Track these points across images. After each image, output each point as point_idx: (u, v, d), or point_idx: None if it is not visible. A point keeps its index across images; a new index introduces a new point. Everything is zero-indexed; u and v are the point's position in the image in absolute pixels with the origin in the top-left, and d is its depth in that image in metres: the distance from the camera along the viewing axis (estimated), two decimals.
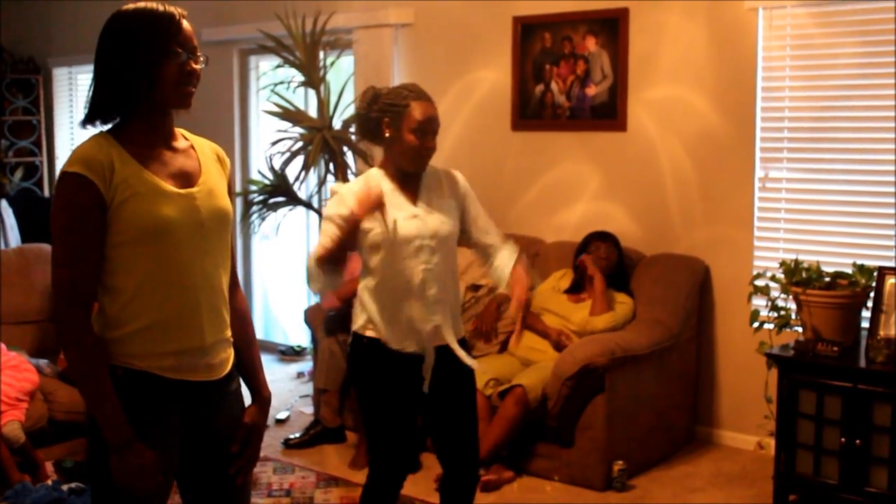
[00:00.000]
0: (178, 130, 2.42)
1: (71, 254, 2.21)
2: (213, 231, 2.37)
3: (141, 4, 2.29)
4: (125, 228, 2.22)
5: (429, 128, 3.20)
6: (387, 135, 3.22)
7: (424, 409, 3.28)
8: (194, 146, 2.44)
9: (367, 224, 3.10)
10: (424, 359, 3.20)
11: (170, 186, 2.29)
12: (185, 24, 2.29)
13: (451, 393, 3.28)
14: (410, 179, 3.26)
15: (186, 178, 2.35)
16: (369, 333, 3.21)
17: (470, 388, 3.35)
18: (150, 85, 2.25)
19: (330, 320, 5.16)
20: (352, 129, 6.01)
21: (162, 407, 2.30)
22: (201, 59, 2.32)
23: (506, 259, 3.28)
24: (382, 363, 3.20)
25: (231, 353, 2.46)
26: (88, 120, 2.30)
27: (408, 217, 3.18)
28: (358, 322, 3.25)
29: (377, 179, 3.23)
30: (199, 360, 2.34)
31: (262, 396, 2.56)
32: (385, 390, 3.22)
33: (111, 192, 2.20)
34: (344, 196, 3.15)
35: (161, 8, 2.28)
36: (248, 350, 2.53)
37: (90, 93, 2.29)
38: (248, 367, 2.54)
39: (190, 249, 2.31)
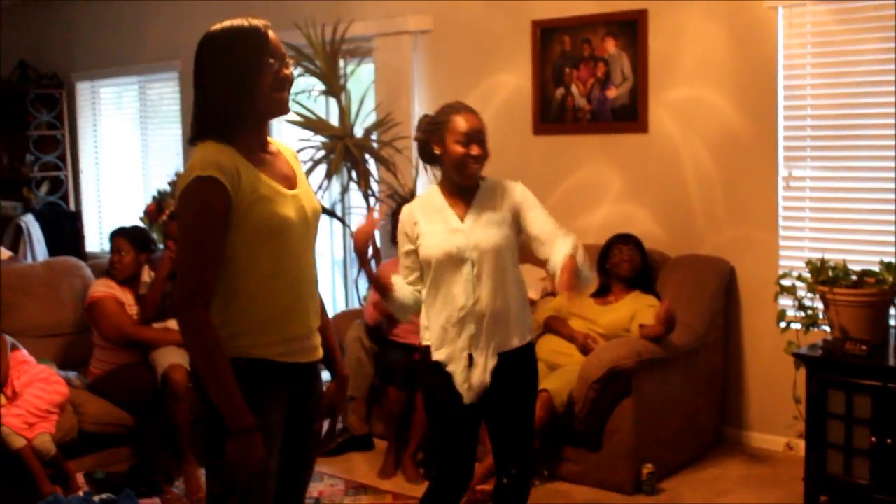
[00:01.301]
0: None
1: (198, 252, 2.36)
2: (313, 227, 2.59)
3: (227, 24, 2.46)
4: (253, 228, 2.39)
5: (472, 137, 3.28)
6: (437, 152, 3.32)
7: (486, 417, 3.37)
8: (280, 150, 2.63)
9: (410, 245, 3.32)
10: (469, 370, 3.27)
11: (284, 189, 2.49)
12: (271, 33, 2.47)
13: (508, 401, 3.33)
14: (465, 193, 3.34)
15: (289, 181, 2.54)
16: (427, 345, 3.35)
17: (527, 396, 3.41)
18: (252, 97, 2.41)
19: (371, 332, 5.18)
20: (373, 137, 6.04)
21: (278, 390, 2.48)
22: (291, 63, 2.50)
23: (560, 252, 3.21)
24: (440, 377, 3.29)
25: (320, 337, 2.65)
26: (198, 137, 2.45)
27: (449, 232, 3.27)
28: (423, 337, 3.37)
29: (431, 196, 3.37)
30: (305, 344, 2.55)
31: (342, 375, 2.79)
32: (442, 404, 3.32)
33: (239, 195, 2.37)
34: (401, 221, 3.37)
35: (247, 24, 2.45)
36: (327, 335, 2.70)
37: (195, 111, 2.46)
38: (330, 350, 2.71)
39: (301, 246, 2.51)
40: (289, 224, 2.45)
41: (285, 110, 2.50)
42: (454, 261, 3.25)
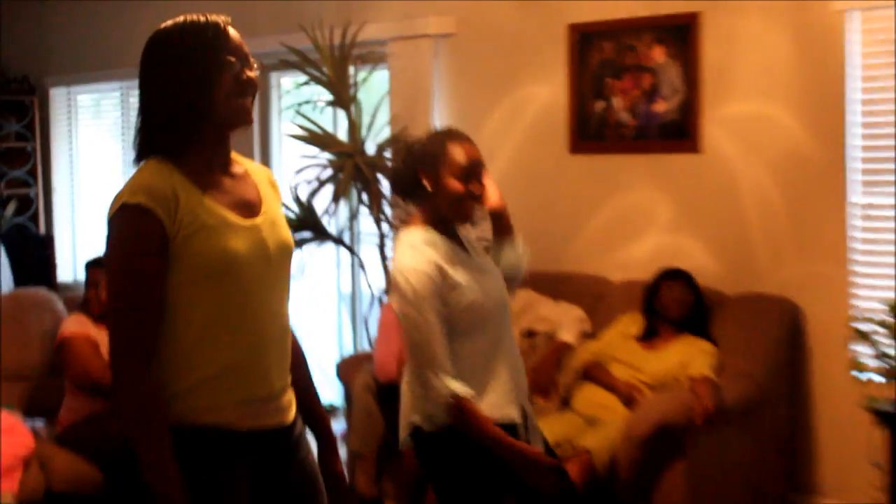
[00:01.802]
0: (233, 155, 2.47)
1: (133, 297, 2.22)
2: (278, 265, 2.43)
3: (180, 19, 2.36)
4: (191, 265, 2.26)
5: (473, 171, 3.18)
6: (427, 186, 3.19)
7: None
8: (248, 171, 2.50)
9: (440, 306, 3.10)
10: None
11: (236, 217, 2.35)
12: (232, 31, 2.37)
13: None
14: (455, 234, 3.27)
15: (249, 208, 2.40)
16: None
17: None
18: (207, 103, 2.29)
19: (384, 392, 5.10)
20: (387, 154, 6.00)
21: (236, 463, 2.32)
22: (255, 66, 2.38)
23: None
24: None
25: (293, 395, 2.51)
26: (143, 154, 2.35)
27: (481, 275, 3.21)
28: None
29: (435, 244, 3.17)
30: (269, 406, 2.39)
31: (332, 442, 2.67)
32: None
33: (176, 225, 2.23)
34: (414, 286, 3.08)
35: (202, 19, 2.35)
36: (308, 393, 2.61)
37: (139, 124, 2.36)
38: (311, 412, 2.61)
39: (257, 287, 2.36)
40: (238, 260, 2.30)
41: (246, 120, 2.37)
42: (500, 311, 3.22)
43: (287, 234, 2.48)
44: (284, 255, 2.45)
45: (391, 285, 3.18)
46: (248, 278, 2.33)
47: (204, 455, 2.28)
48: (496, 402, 3.18)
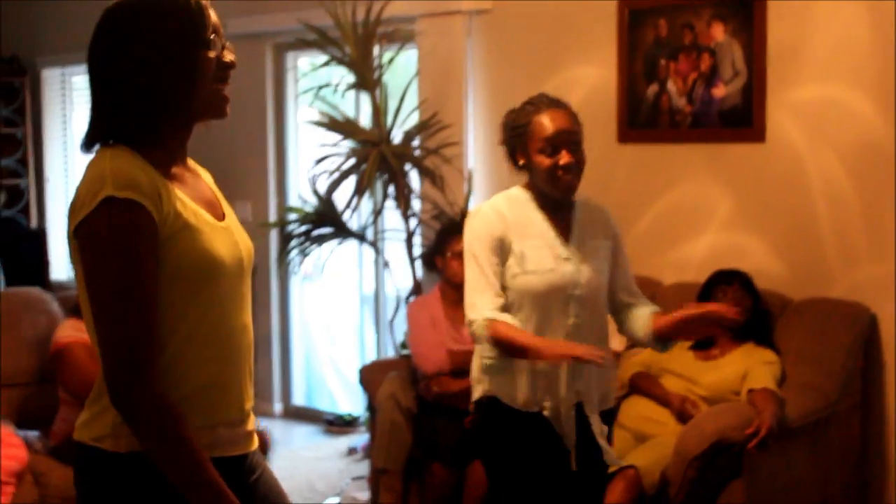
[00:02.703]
0: None
1: (133, 304, 2.15)
2: (248, 274, 2.42)
3: None
4: (174, 269, 2.21)
5: (560, 141, 3.30)
6: (521, 163, 3.38)
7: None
8: (198, 170, 2.48)
9: (497, 260, 3.32)
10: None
11: (212, 218, 2.32)
12: (210, 7, 2.31)
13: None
14: (561, 211, 3.41)
15: (213, 208, 2.38)
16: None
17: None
18: (190, 86, 2.25)
19: (423, 409, 5.21)
20: (415, 143, 6.06)
21: None
22: (232, 49, 2.36)
23: (646, 315, 3.44)
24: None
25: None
26: (98, 140, 2.28)
27: (559, 259, 3.32)
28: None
29: (520, 202, 3.40)
30: (238, 431, 2.39)
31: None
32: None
33: (161, 224, 2.19)
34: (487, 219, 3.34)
35: None
36: None
37: (100, 106, 2.29)
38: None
39: (234, 297, 2.35)
40: (221, 265, 2.28)
41: (223, 112, 2.35)
42: (563, 298, 3.31)
43: (249, 240, 2.46)
44: (251, 263, 2.44)
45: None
46: (227, 287, 2.32)
47: (170, 486, 2.21)
48: (517, 394, 3.36)
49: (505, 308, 3.31)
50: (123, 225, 2.14)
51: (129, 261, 2.15)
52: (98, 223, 2.15)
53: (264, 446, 2.62)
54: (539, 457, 3.43)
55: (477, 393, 3.49)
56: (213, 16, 2.30)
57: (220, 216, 2.37)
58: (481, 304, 3.29)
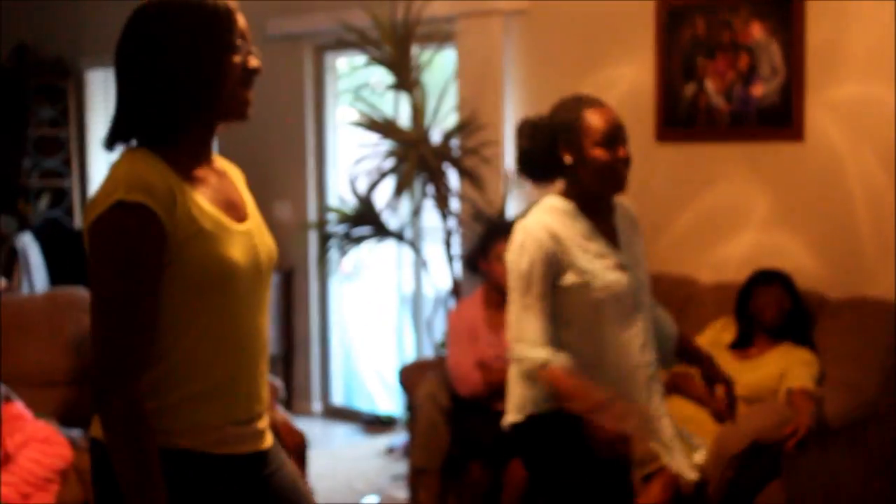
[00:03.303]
0: None
1: (127, 306, 2.20)
2: (267, 277, 2.45)
3: None
4: (186, 273, 2.25)
5: (617, 136, 3.29)
6: (568, 161, 3.30)
7: None
8: (225, 168, 2.50)
9: (548, 280, 3.23)
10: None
11: (229, 221, 2.35)
12: (239, 13, 2.35)
13: None
14: (603, 214, 3.36)
15: (236, 210, 2.41)
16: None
17: None
18: (216, 88, 2.29)
19: (458, 404, 5.23)
20: (454, 143, 6.08)
21: (208, 491, 2.35)
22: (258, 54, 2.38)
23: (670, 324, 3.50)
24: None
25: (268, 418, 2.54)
26: (121, 140, 2.33)
27: (619, 268, 3.29)
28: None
29: (565, 213, 3.31)
30: (246, 429, 2.42)
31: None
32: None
33: (173, 228, 2.21)
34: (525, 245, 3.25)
35: None
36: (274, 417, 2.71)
37: (126, 105, 2.32)
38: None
39: (249, 300, 2.38)
40: (235, 270, 2.30)
41: (245, 114, 2.37)
42: (626, 309, 3.30)
43: (272, 241, 2.50)
44: (271, 265, 2.47)
45: (511, 241, 3.33)
46: (241, 290, 2.34)
47: (177, 481, 2.27)
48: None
49: (553, 340, 3.23)
50: (129, 228, 2.18)
51: (129, 266, 2.19)
52: (105, 225, 2.19)
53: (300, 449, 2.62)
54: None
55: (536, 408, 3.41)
56: (241, 20, 2.34)
57: (242, 218, 2.40)
58: (531, 336, 3.19)
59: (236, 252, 2.31)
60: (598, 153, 3.26)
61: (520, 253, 3.25)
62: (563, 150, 3.30)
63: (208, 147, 2.40)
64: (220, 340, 2.33)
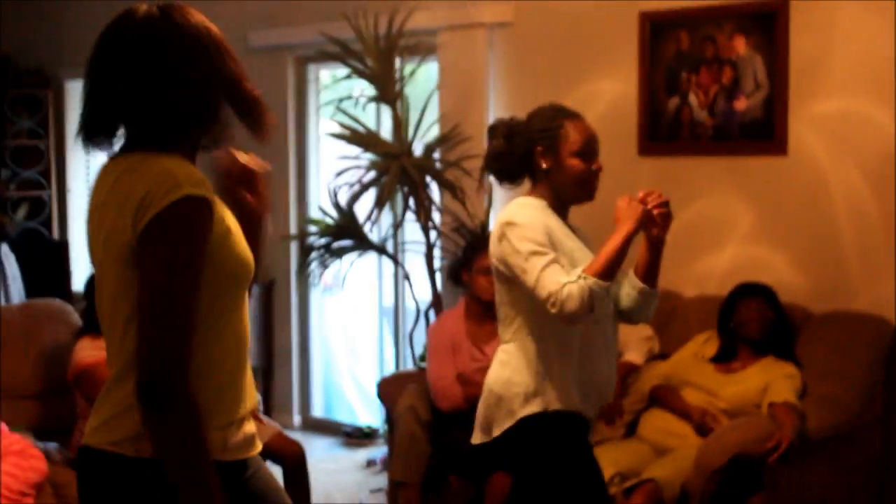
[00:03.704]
0: None
1: (189, 299, 2.20)
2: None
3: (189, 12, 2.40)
4: (215, 271, 2.27)
5: (594, 147, 3.44)
6: (544, 166, 3.41)
7: None
8: None
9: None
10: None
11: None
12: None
13: None
14: (566, 219, 3.48)
15: None
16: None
17: None
18: (221, 105, 2.36)
19: (437, 417, 5.21)
20: (436, 155, 6.07)
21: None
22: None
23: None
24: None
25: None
26: (139, 145, 2.33)
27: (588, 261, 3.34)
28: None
29: (544, 210, 3.40)
30: (237, 433, 2.40)
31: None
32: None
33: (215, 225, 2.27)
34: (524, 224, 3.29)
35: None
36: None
37: (151, 109, 2.32)
38: None
39: (245, 299, 2.44)
40: (250, 271, 2.39)
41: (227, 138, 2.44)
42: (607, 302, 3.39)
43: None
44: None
45: (495, 237, 3.36)
46: (246, 291, 2.42)
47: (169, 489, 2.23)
48: (558, 396, 3.36)
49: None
50: (199, 221, 2.22)
51: (196, 258, 2.21)
52: (175, 218, 2.19)
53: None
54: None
55: (529, 409, 3.41)
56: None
57: None
58: (557, 284, 3.19)
59: (248, 253, 2.38)
60: (576, 163, 3.39)
61: (517, 230, 3.29)
62: (541, 156, 3.41)
63: (196, 152, 2.42)
64: (230, 340, 2.37)
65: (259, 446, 2.51)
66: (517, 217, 3.32)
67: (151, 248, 2.20)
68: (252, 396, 2.49)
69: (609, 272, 3.24)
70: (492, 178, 3.61)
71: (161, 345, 2.18)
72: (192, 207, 2.19)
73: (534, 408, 3.36)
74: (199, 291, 2.22)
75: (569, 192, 3.43)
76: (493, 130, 3.55)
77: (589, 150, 3.41)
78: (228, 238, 2.31)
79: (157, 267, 2.19)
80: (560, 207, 3.45)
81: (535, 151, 3.41)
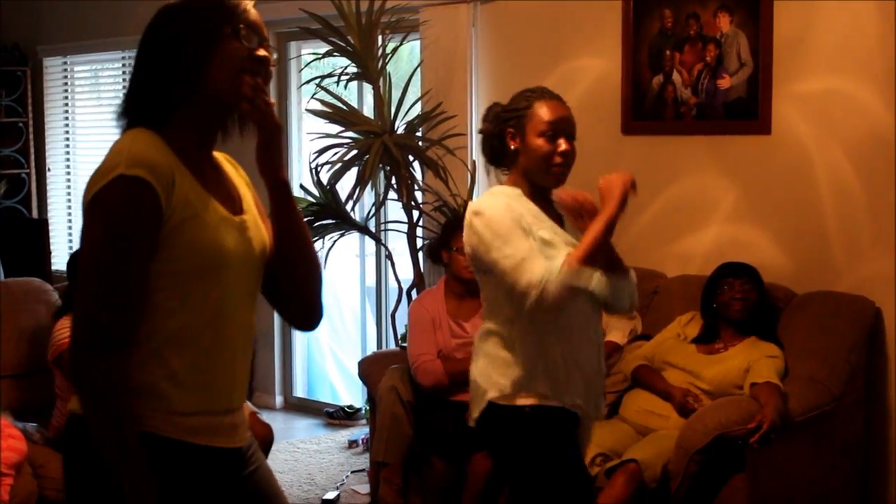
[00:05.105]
0: None
1: (115, 278, 2.24)
2: (257, 270, 2.50)
3: None
4: (179, 255, 2.29)
5: (559, 128, 3.38)
6: (512, 147, 3.41)
7: None
8: (222, 163, 2.55)
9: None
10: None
11: (225, 211, 2.40)
12: (251, 10, 2.42)
13: None
14: (547, 202, 3.44)
15: (232, 203, 2.46)
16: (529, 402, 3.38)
17: None
18: (200, 69, 2.34)
19: (420, 396, 5.22)
20: (419, 134, 6.07)
21: (181, 482, 2.35)
22: (274, 54, 2.44)
23: None
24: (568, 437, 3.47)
25: (245, 416, 2.56)
26: (128, 119, 2.39)
27: (567, 244, 3.35)
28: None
29: (518, 198, 3.38)
30: (221, 421, 2.43)
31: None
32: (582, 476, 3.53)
33: (170, 209, 2.27)
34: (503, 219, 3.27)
35: None
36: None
37: (133, 87, 2.41)
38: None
39: (236, 290, 2.42)
40: (227, 258, 2.36)
41: (238, 101, 2.38)
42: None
43: (267, 236, 2.52)
44: (264, 259, 2.50)
45: (466, 226, 3.37)
46: (230, 280, 2.39)
47: (157, 465, 2.28)
48: (548, 392, 3.37)
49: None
50: (127, 201, 2.23)
51: (122, 237, 2.24)
52: (104, 196, 2.24)
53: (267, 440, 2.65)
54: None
55: (523, 400, 3.42)
56: (249, 11, 2.40)
57: (237, 211, 2.45)
58: (540, 272, 3.19)
59: (229, 241, 2.37)
60: (540, 143, 3.36)
61: (486, 224, 3.28)
62: (511, 138, 3.42)
63: (207, 135, 2.45)
64: (202, 328, 2.36)
65: (243, 438, 2.52)
66: (483, 206, 3.33)
67: (85, 225, 2.29)
68: (239, 392, 2.50)
69: (592, 257, 3.24)
70: (486, 162, 3.62)
71: (83, 316, 2.25)
72: (123, 187, 2.22)
73: (507, 394, 3.37)
74: (136, 272, 2.25)
75: (535, 176, 3.40)
76: (485, 113, 3.58)
77: (555, 130, 3.37)
78: (193, 222, 2.30)
79: (87, 244, 2.28)
80: (536, 194, 3.42)
81: (507, 133, 3.42)
